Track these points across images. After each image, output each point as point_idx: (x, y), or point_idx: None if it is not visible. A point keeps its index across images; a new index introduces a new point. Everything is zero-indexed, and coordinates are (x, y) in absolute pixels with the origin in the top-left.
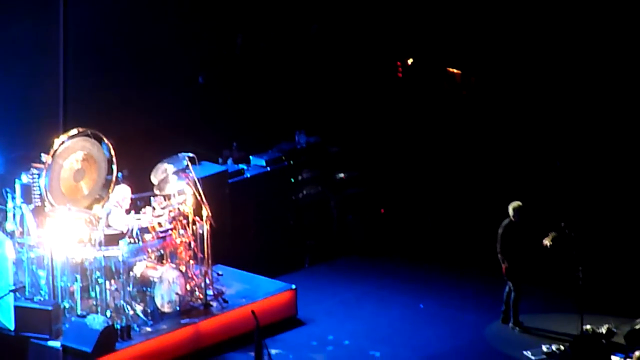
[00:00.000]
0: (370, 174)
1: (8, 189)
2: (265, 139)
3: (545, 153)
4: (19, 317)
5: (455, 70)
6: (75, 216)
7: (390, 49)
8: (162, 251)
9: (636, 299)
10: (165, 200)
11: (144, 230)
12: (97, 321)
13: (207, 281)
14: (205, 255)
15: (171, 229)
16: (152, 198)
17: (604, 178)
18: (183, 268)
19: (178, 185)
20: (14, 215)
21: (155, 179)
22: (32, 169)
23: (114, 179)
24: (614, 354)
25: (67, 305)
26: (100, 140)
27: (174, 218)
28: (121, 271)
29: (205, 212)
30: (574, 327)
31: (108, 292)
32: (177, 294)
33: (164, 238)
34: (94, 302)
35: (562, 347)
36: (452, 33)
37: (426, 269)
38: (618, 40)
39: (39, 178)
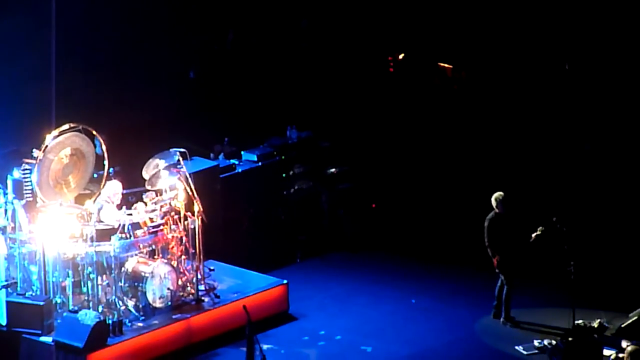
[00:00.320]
0: (362, 168)
1: (0, 185)
2: (257, 134)
3: (537, 147)
4: (10, 313)
5: (446, 65)
6: (67, 212)
7: (381, 44)
8: (153, 246)
9: (627, 293)
10: (156, 195)
11: (135, 225)
12: (89, 316)
13: (199, 276)
14: (197, 250)
15: (163, 225)
16: (143, 193)
17: (596, 173)
18: (175, 263)
19: (169, 181)
20: (5, 210)
21: (146, 174)
22: (23, 164)
23: (105, 174)
24: (606, 348)
25: (59, 301)
26: (91, 136)
27: (165, 213)
28: (113, 266)
29: (197, 207)
30: (565, 321)
31: (100, 287)
32: (168, 289)
33: (155, 233)
34: (86, 298)
35: (554, 342)
36: (443, 28)
37: (418, 263)
38: (610, 33)
39: (30, 173)
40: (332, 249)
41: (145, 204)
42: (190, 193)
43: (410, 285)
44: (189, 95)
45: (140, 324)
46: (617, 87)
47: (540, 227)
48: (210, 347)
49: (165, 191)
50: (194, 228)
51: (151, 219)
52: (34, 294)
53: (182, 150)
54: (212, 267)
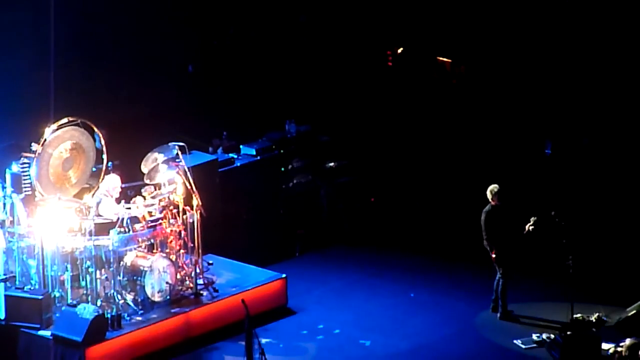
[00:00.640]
0: (361, 162)
1: None
2: (256, 128)
3: (535, 141)
4: (9, 307)
5: (445, 59)
6: (66, 205)
7: (380, 38)
8: (152, 240)
9: (626, 287)
10: (155, 189)
11: (134, 219)
12: (87, 310)
13: (198, 270)
14: (196, 244)
15: (161, 218)
16: (142, 187)
17: (595, 167)
18: (173, 257)
19: (168, 175)
20: (4, 204)
21: (145, 168)
22: (22, 158)
23: (104, 168)
24: (605, 342)
25: (57, 295)
26: (90, 130)
27: (164, 207)
28: (111, 260)
29: (196, 201)
30: (564, 315)
31: (98, 281)
32: (167, 283)
33: (154, 227)
34: (85, 292)
35: (552, 336)
36: (442, 22)
37: (416, 257)
38: (608, 26)
39: (29, 167)
40: (331, 243)
41: (144, 198)
42: (189, 187)
43: (409, 279)
44: (187, 89)
45: (139, 318)
46: (615, 81)
47: (533, 218)
48: (208, 341)
49: (164, 185)
50: (193, 222)
51: (150, 213)
52: (32, 288)
53: (181, 144)
54: (210, 261)
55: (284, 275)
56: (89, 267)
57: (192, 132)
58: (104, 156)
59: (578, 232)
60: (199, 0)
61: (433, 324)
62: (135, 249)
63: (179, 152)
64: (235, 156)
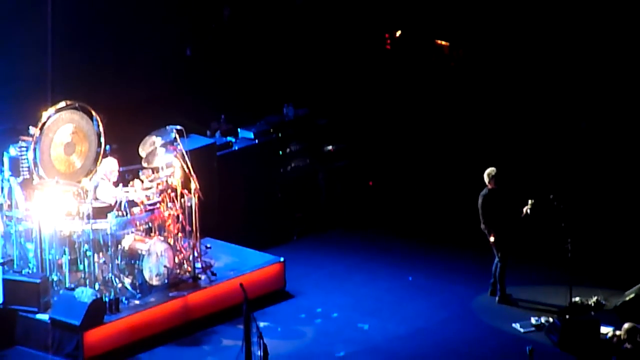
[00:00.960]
0: (359, 146)
1: None
2: (253, 112)
3: (533, 124)
4: (7, 290)
5: (443, 43)
6: (63, 189)
7: (378, 21)
8: (150, 224)
9: (625, 270)
10: (153, 173)
11: (132, 203)
12: (85, 294)
13: (196, 254)
14: (194, 228)
15: (159, 202)
16: (140, 171)
17: (593, 151)
18: (171, 241)
19: (166, 158)
20: (2, 188)
21: (143, 151)
22: (20, 141)
23: (101, 151)
24: (603, 326)
25: (55, 278)
26: (88, 113)
27: (162, 191)
28: (109, 244)
29: (194, 184)
30: (562, 299)
31: (96, 265)
32: (165, 266)
33: (152, 211)
34: (83, 275)
35: (550, 319)
36: (440, 5)
37: (415, 241)
38: (606, 11)
39: (27, 151)
40: (329, 226)
41: (142, 182)
42: (187, 170)
43: (407, 263)
44: (185, 72)
45: (137, 302)
46: (613, 64)
47: (531, 201)
48: (207, 325)
49: (162, 169)
50: (191, 206)
51: (148, 197)
52: (30, 272)
53: (178, 127)
54: (208, 245)
55: (282, 259)
56: (86, 250)
57: (190, 116)
58: (102, 139)
59: (576, 215)
60: None
61: (431, 307)
62: (133, 232)
63: (177, 136)
64: (233, 140)
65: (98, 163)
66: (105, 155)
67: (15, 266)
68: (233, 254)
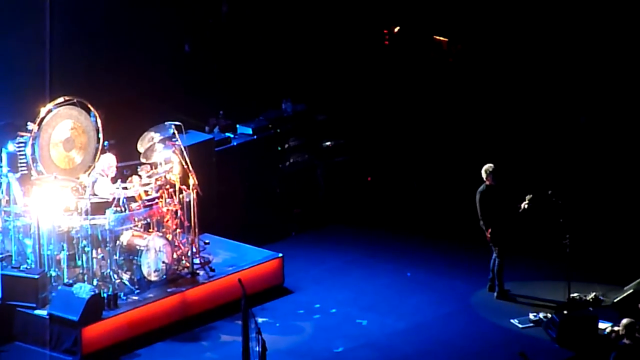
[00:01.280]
0: (357, 142)
1: None
2: (252, 107)
3: (532, 119)
4: (5, 286)
5: (442, 38)
6: (62, 185)
7: (376, 17)
8: (148, 220)
9: (623, 266)
10: (151, 168)
11: (130, 198)
12: (83, 290)
13: (194, 250)
14: (192, 223)
15: (158, 198)
16: (138, 167)
17: (592, 146)
18: (170, 237)
19: (164, 154)
20: (0, 183)
21: (141, 147)
22: (18, 137)
23: (100, 147)
24: (601, 322)
25: (53, 274)
26: (87, 109)
27: (160, 187)
28: (108, 240)
29: (192, 180)
30: (561, 294)
31: (95, 260)
32: (163, 262)
33: (150, 207)
34: (81, 271)
35: (549, 315)
36: (439, 1)
37: (413, 237)
38: (604, 4)
39: (25, 147)
40: (328, 222)
41: (140, 177)
42: (185, 166)
43: (405, 259)
44: (184, 68)
45: (135, 298)
46: (612, 59)
47: (529, 196)
48: (205, 321)
49: (160, 164)
50: (189, 201)
51: (146, 192)
52: (28, 267)
53: (177, 123)
54: (207, 241)
55: (280, 255)
56: (85, 246)
57: (189, 112)
58: (100, 135)
59: (575, 211)
60: None
61: (430, 303)
62: (131, 228)
63: (175, 132)
64: (232, 135)
65: (96, 159)
66: (103, 151)
67: (13, 262)
68: (231, 249)
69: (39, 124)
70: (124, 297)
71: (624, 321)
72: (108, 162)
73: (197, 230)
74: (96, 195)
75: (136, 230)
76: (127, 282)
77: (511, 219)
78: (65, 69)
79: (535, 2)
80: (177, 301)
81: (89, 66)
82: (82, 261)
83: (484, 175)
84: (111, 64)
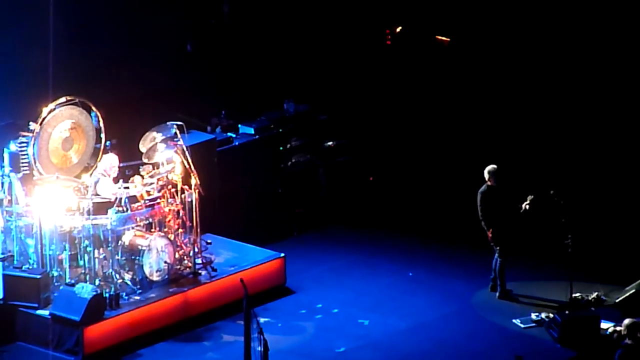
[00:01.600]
0: (359, 142)
1: None
2: (254, 107)
3: (533, 120)
4: (7, 286)
5: (443, 38)
6: (64, 185)
7: (378, 17)
8: (150, 220)
9: (625, 266)
10: (153, 168)
11: (132, 198)
12: (85, 290)
13: (196, 250)
14: (194, 223)
15: (160, 198)
16: (140, 167)
17: (593, 146)
18: (172, 236)
19: (166, 154)
20: (2, 183)
21: (143, 147)
22: (20, 137)
23: (102, 147)
24: (603, 321)
25: (55, 274)
26: (88, 109)
27: (162, 186)
28: (110, 240)
29: (194, 180)
30: (563, 294)
31: (97, 260)
32: (165, 262)
33: (152, 207)
34: (83, 271)
35: (551, 315)
36: (441, 1)
37: (415, 236)
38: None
39: (27, 146)
40: (330, 222)
41: (142, 177)
42: (187, 166)
43: (407, 259)
44: (186, 68)
45: (137, 298)
46: (612, 59)
47: (530, 197)
48: (207, 321)
49: (162, 164)
50: (191, 201)
51: (148, 192)
52: (30, 267)
53: (179, 123)
54: (209, 241)
55: (282, 255)
56: (87, 246)
57: (191, 111)
58: (102, 135)
59: (577, 211)
60: None
61: (432, 303)
62: (133, 228)
63: (177, 131)
64: (234, 135)
65: (98, 159)
66: (105, 151)
67: (15, 262)
68: (233, 249)
69: (41, 124)
70: (126, 297)
71: (626, 321)
72: (110, 162)
73: (199, 230)
74: (98, 195)
75: (138, 230)
76: (129, 282)
77: (512, 219)
78: (68, 68)
79: (536, 3)
80: (179, 301)
81: (91, 66)
82: (84, 261)
83: (486, 175)
84: (113, 64)
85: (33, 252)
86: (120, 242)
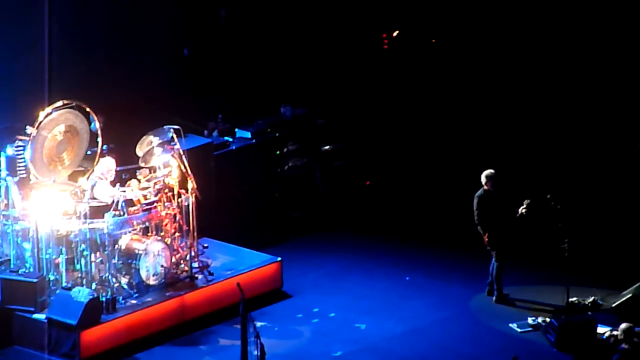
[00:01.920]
0: (356, 146)
1: None
2: (251, 111)
3: (532, 123)
4: (4, 290)
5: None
6: (60, 188)
7: (375, 21)
8: (147, 224)
9: (622, 270)
10: (150, 172)
11: (129, 202)
12: (82, 294)
13: (193, 254)
14: (191, 227)
15: (156, 202)
16: (137, 171)
17: (590, 150)
18: (168, 240)
19: (163, 158)
20: None
21: (140, 151)
22: (17, 141)
23: (99, 151)
24: (600, 326)
25: (52, 278)
26: (85, 113)
27: (159, 190)
28: (106, 243)
29: (191, 184)
30: (560, 299)
31: (93, 264)
32: (162, 266)
33: (149, 210)
34: (79, 275)
35: (548, 319)
36: (438, 5)
37: (412, 241)
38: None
39: (24, 150)
40: (326, 226)
41: (139, 181)
42: (184, 170)
43: (404, 263)
44: (183, 72)
45: (134, 301)
46: (608, 61)
47: (527, 201)
48: (203, 325)
49: (159, 168)
50: (188, 205)
51: (145, 196)
52: (27, 271)
53: (176, 127)
54: (205, 245)
55: (279, 259)
56: (83, 250)
57: (188, 116)
58: (99, 139)
59: (574, 215)
60: None
61: (428, 307)
62: (130, 232)
63: (174, 135)
64: (231, 139)
65: (95, 162)
66: (102, 155)
67: (12, 266)
68: (230, 253)
69: (38, 128)
70: (123, 301)
71: (623, 326)
72: (107, 165)
73: (195, 234)
74: (95, 198)
75: (135, 234)
76: (125, 286)
77: (509, 223)
78: (65, 73)
79: (537, 6)
80: (175, 305)
81: (88, 70)
82: (81, 265)
83: (483, 180)
84: (110, 68)
85: (29, 256)
86: (116, 246)
